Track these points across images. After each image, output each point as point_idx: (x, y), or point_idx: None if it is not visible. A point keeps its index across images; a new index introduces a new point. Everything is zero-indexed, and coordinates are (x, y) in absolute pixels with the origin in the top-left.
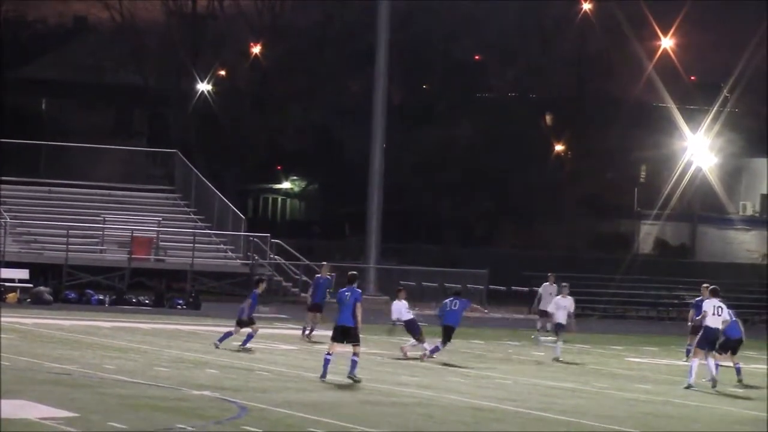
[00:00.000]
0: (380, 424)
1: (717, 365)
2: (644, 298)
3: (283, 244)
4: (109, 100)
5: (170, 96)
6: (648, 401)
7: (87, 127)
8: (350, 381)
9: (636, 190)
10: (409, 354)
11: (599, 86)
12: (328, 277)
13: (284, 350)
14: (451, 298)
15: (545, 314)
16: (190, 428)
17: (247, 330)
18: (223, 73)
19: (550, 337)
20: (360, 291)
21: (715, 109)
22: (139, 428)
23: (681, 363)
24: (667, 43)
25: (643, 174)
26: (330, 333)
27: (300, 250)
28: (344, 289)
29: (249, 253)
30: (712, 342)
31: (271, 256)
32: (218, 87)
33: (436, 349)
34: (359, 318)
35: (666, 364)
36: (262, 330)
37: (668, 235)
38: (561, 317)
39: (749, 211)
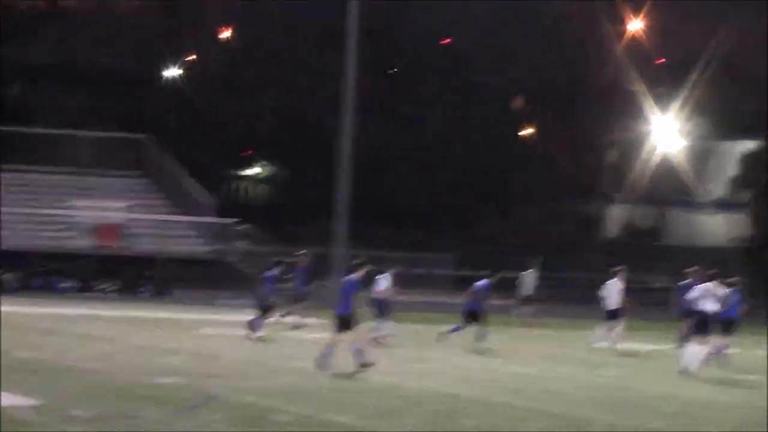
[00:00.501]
0: (349, 410)
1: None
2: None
3: (253, 229)
4: (80, 84)
5: (142, 80)
6: (613, 386)
7: (58, 111)
8: (359, 369)
9: (605, 173)
10: (380, 340)
11: (569, 69)
12: (304, 267)
13: (252, 337)
14: (483, 281)
15: (530, 300)
16: (156, 416)
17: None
18: (195, 57)
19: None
20: (354, 279)
21: (684, 92)
22: (105, 416)
23: (645, 347)
24: (636, 25)
25: (612, 157)
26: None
27: (271, 236)
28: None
29: (219, 239)
30: (706, 326)
31: (242, 242)
32: (190, 71)
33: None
34: (352, 306)
35: (630, 348)
36: (230, 317)
37: (637, 219)
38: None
39: (717, 194)
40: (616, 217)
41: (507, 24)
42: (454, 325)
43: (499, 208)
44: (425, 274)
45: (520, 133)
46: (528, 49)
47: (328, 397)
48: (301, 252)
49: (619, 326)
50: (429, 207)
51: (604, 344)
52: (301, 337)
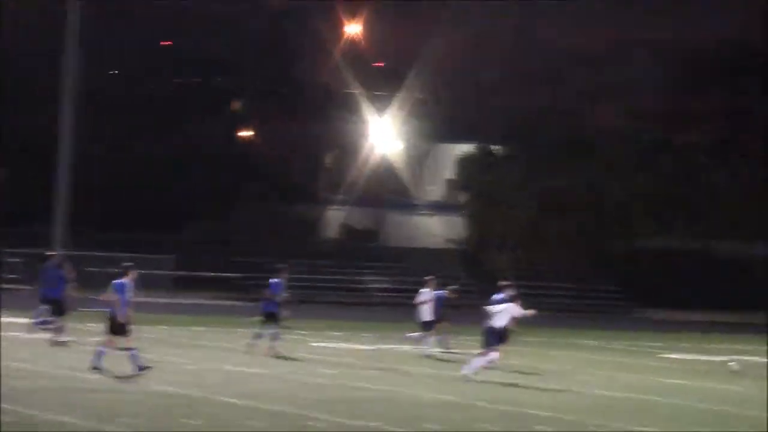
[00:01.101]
0: (74, 411)
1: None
2: (331, 283)
3: None
4: None
5: None
6: (332, 385)
7: None
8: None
9: (322, 175)
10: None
11: (288, 71)
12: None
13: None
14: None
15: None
16: None
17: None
18: None
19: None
20: (121, 283)
21: (400, 95)
22: None
23: (365, 347)
24: (354, 29)
25: (329, 160)
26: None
27: None
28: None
29: None
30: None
31: None
32: None
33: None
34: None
35: (350, 349)
36: None
37: (355, 221)
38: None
39: (434, 197)
40: (334, 219)
41: (226, 26)
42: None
43: (220, 211)
44: (147, 275)
45: (239, 134)
46: (247, 52)
47: (55, 398)
48: (53, 252)
49: (433, 333)
50: (151, 209)
51: (423, 350)
52: (37, 339)
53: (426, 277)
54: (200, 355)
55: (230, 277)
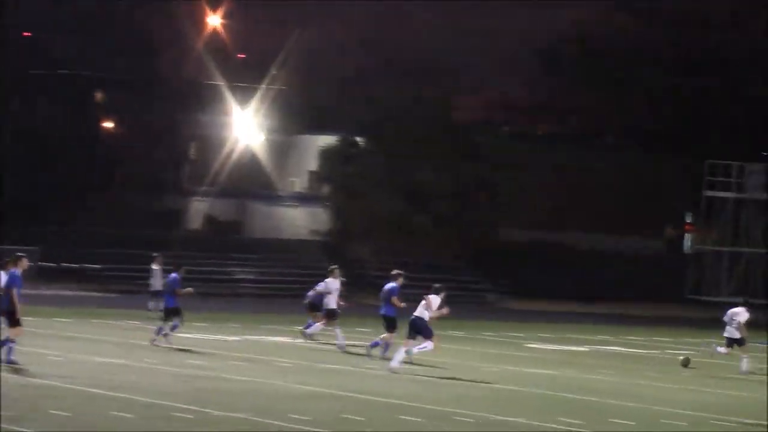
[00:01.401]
0: None
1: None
2: (195, 275)
3: None
4: None
5: None
6: (200, 376)
7: None
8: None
9: (186, 166)
10: None
11: (149, 64)
12: None
13: None
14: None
15: (157, 294)
16: None
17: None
18: None
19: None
20: (15, 274)
21: (264, 86)
22: None
23: (232, 338)
24: (215, 20)
25: (193, 151)
26: None
27: None
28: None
29: None
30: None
31: None
32: None
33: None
34: (14, 301)
35: (217, 339)
36: None
37: (218, 212)
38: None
39: (297, 188)
40: (197, 210)
41: (88, 18)
42: (164, 325)
43: (78, 202)
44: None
45: (102, 125)
46: (109, 42)
47: None
48: None
49: (337, 323)
50: (14, 200)
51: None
52: None
53: (330, 267)
54: (69, 346)
55: (92, 269)
